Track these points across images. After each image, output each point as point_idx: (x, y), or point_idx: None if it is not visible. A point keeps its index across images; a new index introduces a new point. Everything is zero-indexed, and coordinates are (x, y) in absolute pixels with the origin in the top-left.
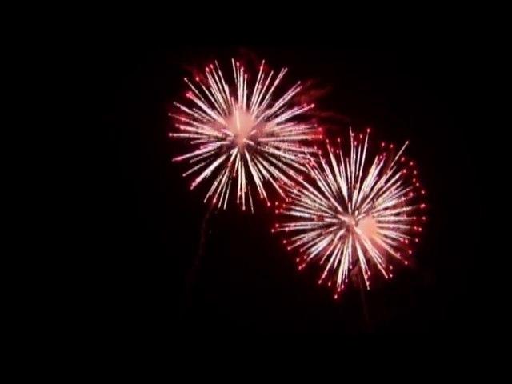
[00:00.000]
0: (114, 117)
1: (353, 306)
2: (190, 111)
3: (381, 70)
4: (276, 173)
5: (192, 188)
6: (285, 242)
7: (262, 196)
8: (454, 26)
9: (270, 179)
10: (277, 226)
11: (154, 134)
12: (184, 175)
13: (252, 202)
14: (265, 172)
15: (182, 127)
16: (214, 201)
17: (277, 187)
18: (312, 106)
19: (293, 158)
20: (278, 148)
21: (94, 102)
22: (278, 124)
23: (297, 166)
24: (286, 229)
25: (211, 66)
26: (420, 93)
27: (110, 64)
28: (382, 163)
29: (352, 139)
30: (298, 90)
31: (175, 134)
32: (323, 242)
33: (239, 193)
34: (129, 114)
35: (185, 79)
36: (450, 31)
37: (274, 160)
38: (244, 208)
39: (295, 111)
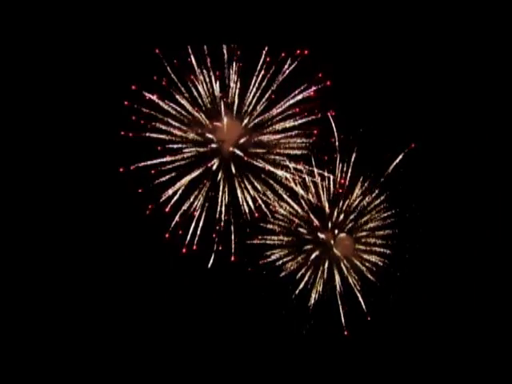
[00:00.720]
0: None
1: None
2: (157, 101)
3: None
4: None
5: (149, 212)
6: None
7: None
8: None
9: (263, 207)
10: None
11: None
12: (140, 191)
13: (234, 239)
14: (255, 193)
15: (144, 123)
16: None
17: (263, 206)
18: (332, 113)
19: (281, 173)
20: (264, 160)
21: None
22: (273, 133)
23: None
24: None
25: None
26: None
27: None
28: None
29: (338, 149)
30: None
31: (131, 134)
32: (296, 261)
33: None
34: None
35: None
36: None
37: (265, 177)
38: (220, 247)
39: (300, 119)
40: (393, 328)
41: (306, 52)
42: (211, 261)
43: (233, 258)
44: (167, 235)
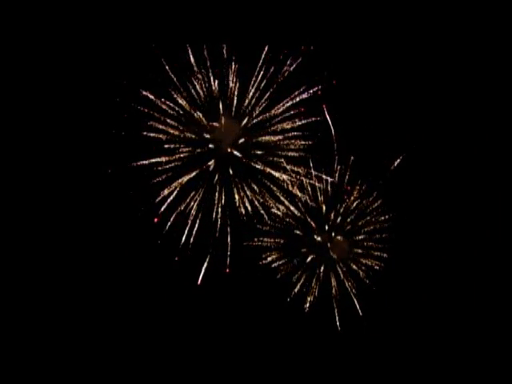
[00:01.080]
0: None
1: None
2: (154, 99)
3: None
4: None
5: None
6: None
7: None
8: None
9: (260, 209)
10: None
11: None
12: (133, 193)
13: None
14: (252, 196)
15: (138, 122)
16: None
17: (260, 208)
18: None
19: (279, 174)
20: (263, 161)
21: None
22: (272, 134)
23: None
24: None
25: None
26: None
27: None
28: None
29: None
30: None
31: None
32: (292, 263)
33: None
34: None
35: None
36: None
37: (263, 178)
38: (215, 252)
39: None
40: (388, 332)
41: (311, 47)
42: (201, 274)
43: (227, 270)
44: (159, 241)
